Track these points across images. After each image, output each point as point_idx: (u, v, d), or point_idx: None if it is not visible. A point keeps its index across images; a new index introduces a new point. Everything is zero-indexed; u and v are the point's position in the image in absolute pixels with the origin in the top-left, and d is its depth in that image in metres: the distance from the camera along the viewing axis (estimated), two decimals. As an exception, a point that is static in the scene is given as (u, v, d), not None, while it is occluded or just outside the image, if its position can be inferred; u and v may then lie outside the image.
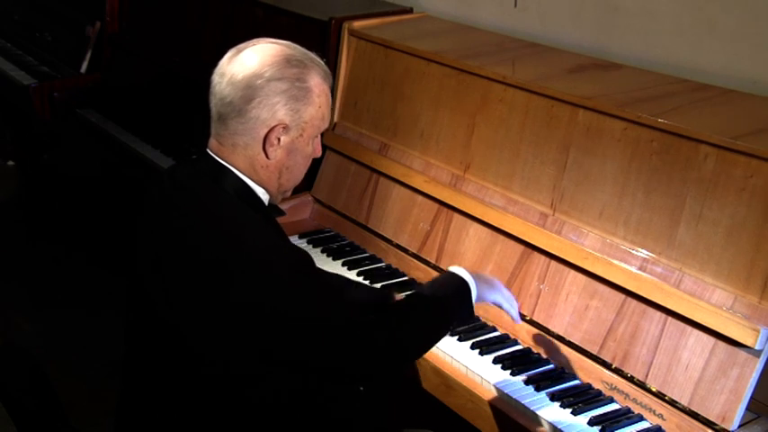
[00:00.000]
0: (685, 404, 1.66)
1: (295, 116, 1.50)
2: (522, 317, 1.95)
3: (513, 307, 1.78)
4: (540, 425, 1.69)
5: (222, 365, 1.49)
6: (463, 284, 1.67)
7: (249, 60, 1.49)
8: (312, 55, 1.56)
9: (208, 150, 1.55)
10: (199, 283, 1.45)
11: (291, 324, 1.45)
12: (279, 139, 1.51)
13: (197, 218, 1.49)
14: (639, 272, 1.78)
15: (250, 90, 1.47)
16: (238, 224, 1.48)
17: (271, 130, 1.49)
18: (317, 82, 1.52)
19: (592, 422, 1.68)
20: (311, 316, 1.47)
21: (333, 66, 2.54)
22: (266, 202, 1.59)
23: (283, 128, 1.50)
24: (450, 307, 1.67)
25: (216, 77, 1.52)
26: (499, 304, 1.77)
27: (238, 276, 1.42)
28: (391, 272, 2.24)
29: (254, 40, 1.54)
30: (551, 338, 1.90)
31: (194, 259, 1.46)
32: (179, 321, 1.49)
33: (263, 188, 1.56)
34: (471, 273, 1.70)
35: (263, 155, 1.52)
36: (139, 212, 1.61)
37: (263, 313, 1.43)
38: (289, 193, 1.65)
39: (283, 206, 2.46)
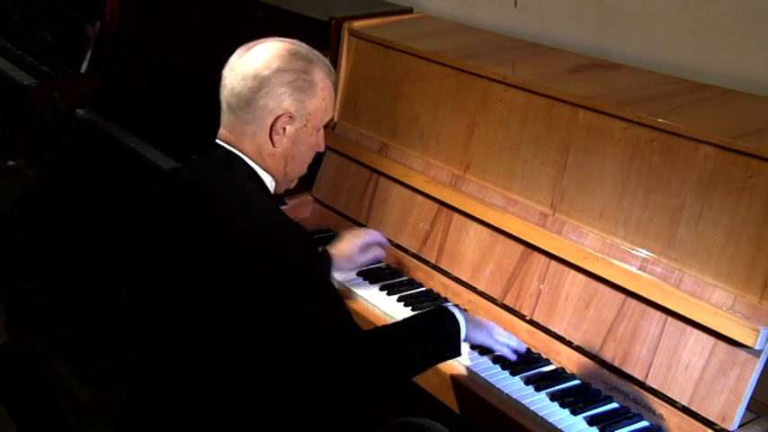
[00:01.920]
0: (685, 404, 1.66)
1: (300, 107, 1.58)
2: (522, 317, 1.96)
3: (504, 347, 1.80)
4: (540, 425, 1.69)
5: (226, 362, 1.50)
6: (453, 322, 1.68)
7: (258, 55, 1.57)
8: (316, 52, 1.65)
9: (217, 141, 1.62)
10: (219, 260, 1.48)
11: (298, 309, 1.47)
12: (284, 129, 1.59)
13: (213, 199, 1.55)
14: (639, 272, 1.78)
15: (258, 81, 1.55)
16: (254, 203, 1.55)
17: (277, 118, 1.57)
18: (320, 76, 1.61)
19: (591, 422, 1.68)
20: (318, 304, 1.50)
21: (333, 66, 2.53)
22: (272, 190, 1.66)
23: (289, 117, 1.58)
24: (437, 343, 1.68)
25: (226, 71, 1.60)
26: (489, 346, 1.80)
27: (258, 251, 1.46)
28: (391, 272, 2.24)
29: (262, 39, 1.62)
30: (551, 338, 1.90)
31: (214, 237, 1.50)
32: (195, 312, 1.51)
33: (270, 175, 1.63)
34: (464, 313, 1.73)
35: (269, 143, 1.59)
36: (149, 207, 1.64)
37: (275, 293, 1.45)
38: (293, 183, 1.72)
39: (283, 207, 2.48)
